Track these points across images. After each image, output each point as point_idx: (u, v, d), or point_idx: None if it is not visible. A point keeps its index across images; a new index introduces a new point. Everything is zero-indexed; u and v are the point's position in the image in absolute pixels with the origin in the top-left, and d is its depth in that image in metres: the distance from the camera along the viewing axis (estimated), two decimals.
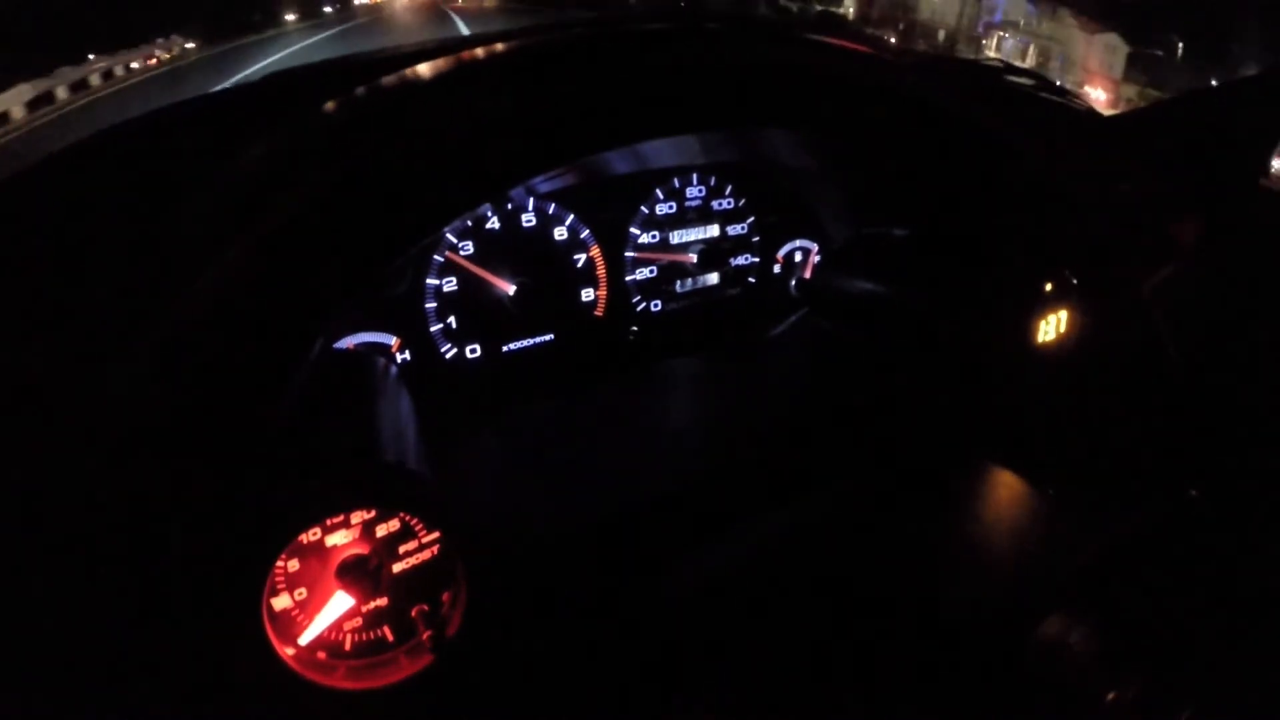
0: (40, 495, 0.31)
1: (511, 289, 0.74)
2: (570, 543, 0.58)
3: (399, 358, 0.71)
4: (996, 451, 0.65)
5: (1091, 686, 0.42)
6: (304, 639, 0.41)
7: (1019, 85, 0.94)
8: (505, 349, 0.77)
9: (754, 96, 0.47)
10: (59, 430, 0.32)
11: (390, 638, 0.44)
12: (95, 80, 9.47)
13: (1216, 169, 0.80)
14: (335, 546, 0.42)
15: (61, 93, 8.52)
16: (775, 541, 0.58)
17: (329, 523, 0.42)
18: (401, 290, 0.70)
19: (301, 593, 0.42)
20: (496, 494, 0.63)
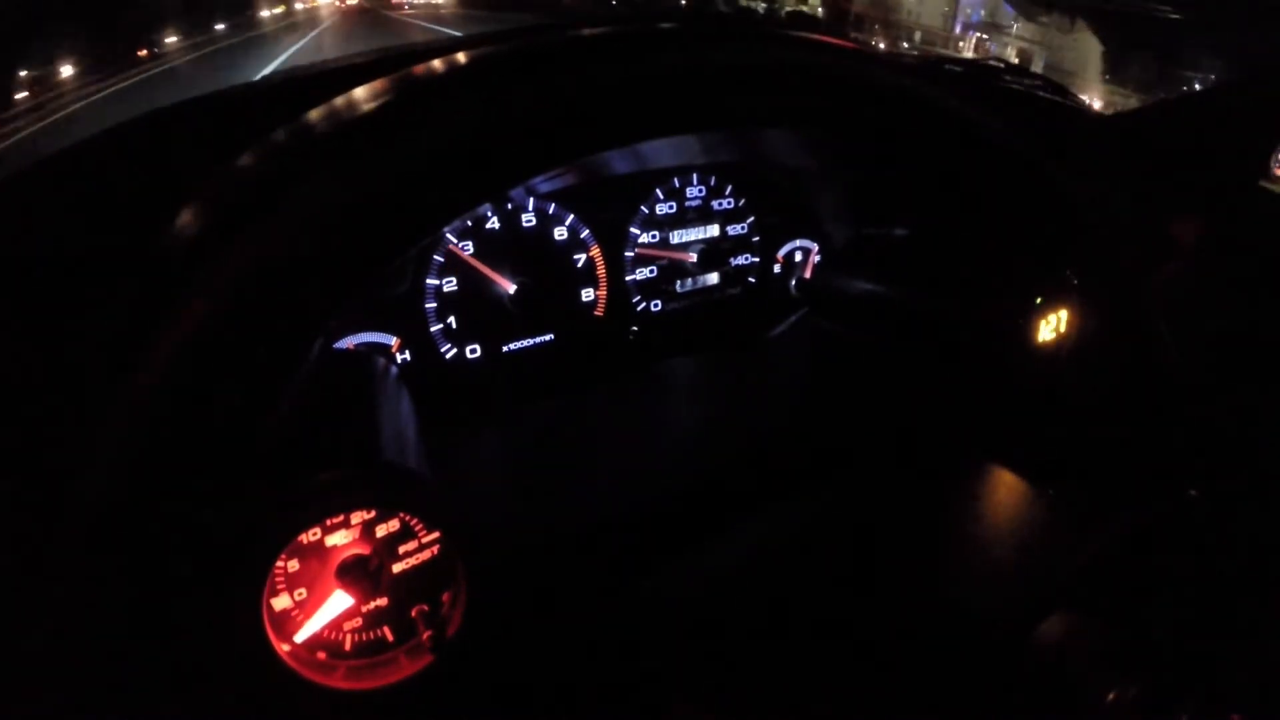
0: (41, 495, 0.31)
1: (512, 289, 0.74)
2: (570, 542, 0.58)
3: (399, 358, 0.71)
4: (996, 451, 0.65)
5: (1091, 686, 0.42)
6: (300, 636, 0.41)
7: (1018, 85, 0.95)
8: (505, 349, 0.77)
9: (754, 96, 0.47)
10: (59, 430, 0.32)
11: (390, 638, 0.44)
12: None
13: (1216, 169, 0.80)
14: (335, 546, 0.42)
15: None
16: (775, 541, 0.58)
17: (329, 523, 0.42)
18: (401, 290, 0.70)
19: (301, 593, 0.42)
20: (496, 494, 0.63)
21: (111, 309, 0.35)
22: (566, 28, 0.58)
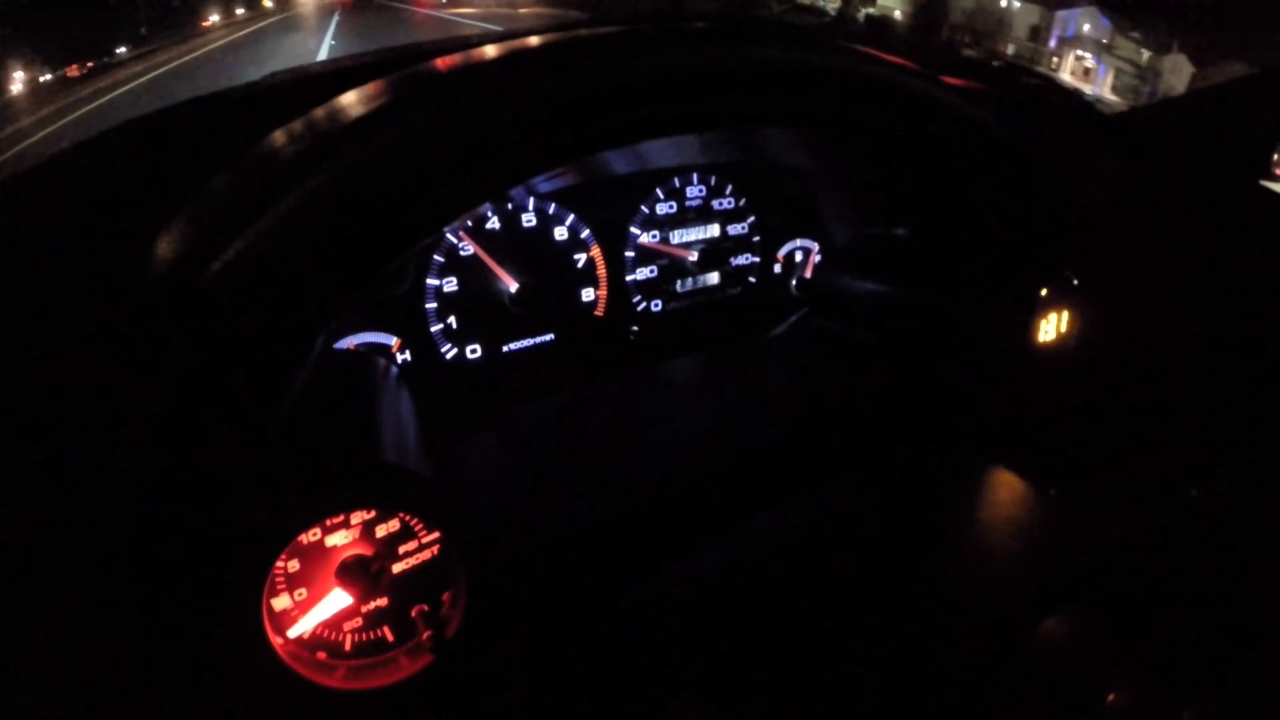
0: (43, 494, 0.31)
1: (512, 288, 0.74)
2: (570, 542, 0.58)
3: (399, 358, 0.71)
4: (996, 451, 0.65)
5: (1091, 686, 0.42)
6: (295, 632, 0.41)
7: (1019, 84, 0.94)
8: (505, 349, 0.77)
9: (753, 96, 0.47)
10: (61, 430, 0.32)
11: (390, 638, 0.44)
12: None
13: (1216, 169, 0.80)
14: (335, 547, 0.42)
15: None
16: (775, 541, 0.58)
17: (329, 523, 0.42)
18: (402, 290, 0.70)
19: (301, 593, 0.42)
20: (497, 494, 0.63)
21: (114, 308, 0.35)
22: (578, 26, 0.58)
